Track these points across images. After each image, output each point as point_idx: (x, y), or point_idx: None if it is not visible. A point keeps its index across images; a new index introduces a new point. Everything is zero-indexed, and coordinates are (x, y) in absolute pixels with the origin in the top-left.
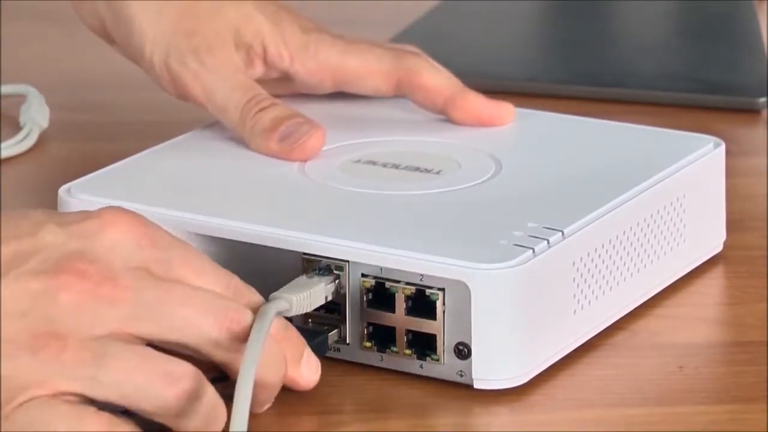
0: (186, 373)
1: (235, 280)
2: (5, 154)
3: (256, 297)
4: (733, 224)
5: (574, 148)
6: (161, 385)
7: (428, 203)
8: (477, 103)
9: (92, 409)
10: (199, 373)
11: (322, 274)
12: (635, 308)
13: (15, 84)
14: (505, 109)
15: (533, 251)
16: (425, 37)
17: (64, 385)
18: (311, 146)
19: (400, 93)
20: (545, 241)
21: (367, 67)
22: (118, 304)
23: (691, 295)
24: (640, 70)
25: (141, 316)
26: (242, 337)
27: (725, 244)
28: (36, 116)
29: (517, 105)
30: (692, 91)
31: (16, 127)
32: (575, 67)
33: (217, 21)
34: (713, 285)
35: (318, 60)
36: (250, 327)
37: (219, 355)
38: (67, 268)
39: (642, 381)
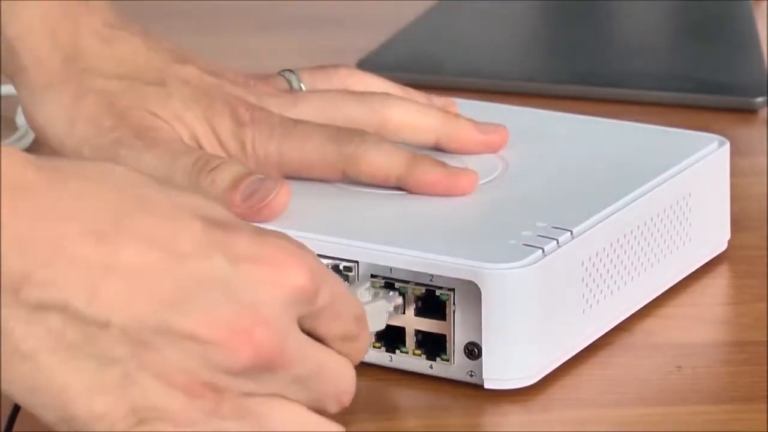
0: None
1: (362, 316)
2: None
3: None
4: (732, 224)
5: (579, 147)
6: None
7: (436, 203)
8: (431, 177)
9: None
10: None
11: None
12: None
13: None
14: (464, 177)
15: (543, 251)
16: (424, 36)
17: None
18: (279, 204)
19: (350, 180)
20: (554, 241)
21: (307, 160)
22: (281, 374)
23: (689, 294)
24: (639, 70)
25: (297, 388)
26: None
27: (728, 243)
28: None
29: (517, 105)
30: (691, 91)
31: (13, 128)
32: (574, 67)
33: (141, 117)
34: (712, 285)
35: (257, 155)
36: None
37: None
38: (242, 328)
39: (640, 381)
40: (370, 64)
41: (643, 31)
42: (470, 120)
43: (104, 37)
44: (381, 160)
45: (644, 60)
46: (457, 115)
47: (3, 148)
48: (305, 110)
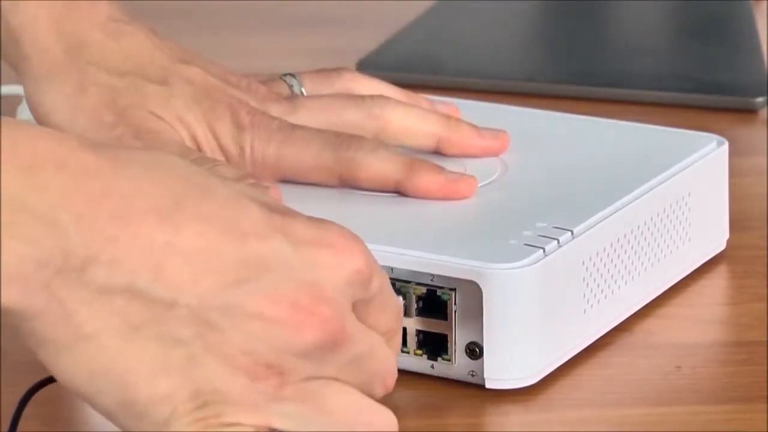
0: (390, 423)
1: (399, 312)
2: None
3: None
4: (731, 224)
5: (579, 147)
6: (352, 425)
7: (436, 204)
8: (429, 182)
9: None
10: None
11: None
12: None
13: (13, 85)
14: (463, 183)
15: (544, 251)
16: (424, 36)
17: (275, 421)
18: None
19: (348, 186)
20: (555, 241)
21: (305, 165)
22: (340, 354)
23: (689, 294)
24: (638, 70)
25: (349, 367)
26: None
27: (727, 242)
28: (33, 117)
29: (517, 105)
30: (691, 91)
31: None
32: (573, 67)
33: (142, 117)
34: (711, 285)
35: (255, 159)
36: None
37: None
38: (305, 306)
39: (639, 381)
40: (370, 64)
41: (643, 31)
42: (471, 125)
43: (109, 31)
44: (379, 166)
45: (644, 60)
46: (457, 120)
47: (59, 133)
48: (305, 115)
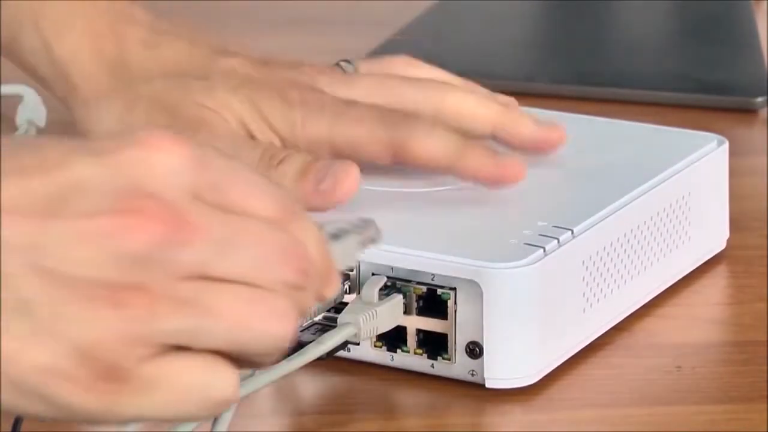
0: (289, 305)
1: (287, 197)
2: None
3: (308, 220)
4: (731, 224)
5: (578, 146)
6: (274, 325)
7: (435, 202)
8: (481, 165)
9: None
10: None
11: None
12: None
13: (12, 84)
14: (514, 167)
15: (544, 250)
16: (424, 36)
17: (170, 341)
18: (351, 186)
19: (399, 164)
20: (555, 240)
21: (358, 141)
22: (192, 245)
23: (689, 294)
24: (638, 70)
25: (215, 257)
26: (312, 277)
27: (727, 242)
28: (33, 116)
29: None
30: (691, 90)
31: (13, 128)
32: (573, 67)
33: (191, 110)
34: (712, 284)
35: (307, 136)
36: (317, 262)
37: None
38: (127, 207)
39: (639, 381)
40: None
41: (643, 31)
42: (529, 115)
43: (148, 44)
44: (432, 145)
45: (644, 60)
46: (515, 109)
47: None
48: (359, 92)
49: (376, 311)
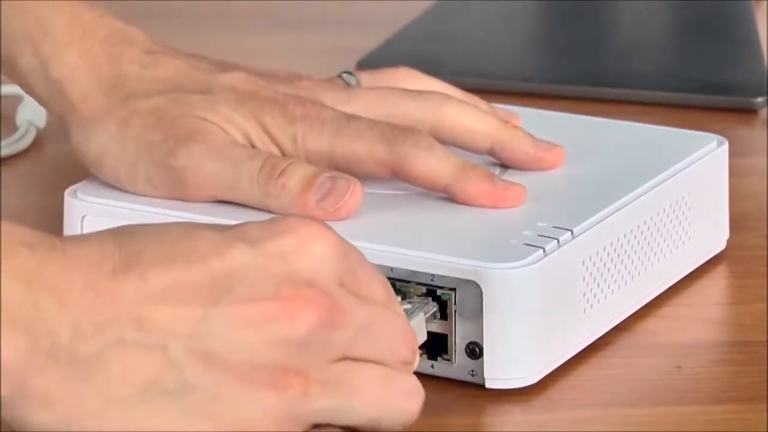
0: (419, 385)
1: (387, 281)
2: (2, 153)
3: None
4: (732, 224)
5: (578, 146)
6: (407, 403)
7: (435, 203)
8: (479, 189)
9: None
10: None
11: None
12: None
13: (13, 84)
14: (512, 192)
15: (544, 251)
16: (424, 36)
17: (316, 419)
18: (354, 203)
19: (398, 179)
20: (555, 241)
21: (357, 156)
22: (342, 329)
23: (689, 294)
24: (638, 70)
25: (358, 340)
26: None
27: (727, 242)
28: (33, 116)
29: (517, 105)
30: (691, 91)
31: (13, 128)
32: (573, 67)
33: (190, 123)
34: (712, 285)
35: (308, 150)
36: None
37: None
38: (288, 294)
39: (639, 381)
40: (370, 64)
41: (643, 31)
42: (528, 133)
43: (145, 64)
44: (431, 166)
45: (644, 60)
46: (515, 126)
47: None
48: (359, 105)
49: None
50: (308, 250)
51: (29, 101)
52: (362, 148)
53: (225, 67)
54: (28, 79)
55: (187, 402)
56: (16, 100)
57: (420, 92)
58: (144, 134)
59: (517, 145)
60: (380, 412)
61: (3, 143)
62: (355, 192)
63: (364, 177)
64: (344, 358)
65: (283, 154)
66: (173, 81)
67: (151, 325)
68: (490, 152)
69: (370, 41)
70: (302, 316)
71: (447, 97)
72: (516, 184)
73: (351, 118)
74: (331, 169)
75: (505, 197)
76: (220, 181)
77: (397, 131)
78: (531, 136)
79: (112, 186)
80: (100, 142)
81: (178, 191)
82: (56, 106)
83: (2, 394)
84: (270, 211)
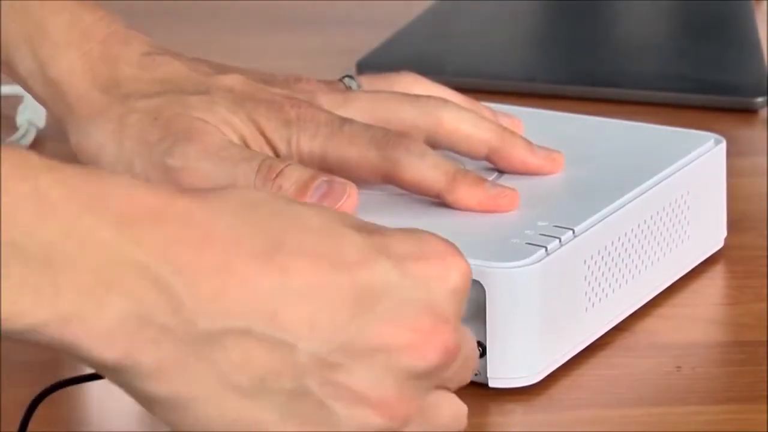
0: (464, 411)
1: None
2: None
3: None
4: (731, 224)
5: (578, 146)
6: (457, 426)
7: (437, 203)
8: (471, 196)
9: None
10: None
11: None
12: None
13: (12, 84)
14: (505, 198)
15: (546, 250)
16: (424, 36)
17: None
18: (351, 206)
19: (390, 185)
20: (557, 240)
21: (349, 161)
22: (454, 365)
23: (689, 295)
24: (638, 70)
25: (454, 376)
26: None
27: (725, 242)
28: (33, 116)
29: (517, 105)
30: (690, 91)
31: (13, 128)
32: (573, 68)
33: (187, 123)
34: (711, 285)
35: (301, 153)
36: None
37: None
38: (426, 327)
39: (640, 381)
40: (370, 64)
41: (643, 31)
42: (526, 140)
43: (143, 65)
44: (423, 172)
45: (644, 60)
46: (513, 133)
47: (150, 183)
48: (356, 109)
49: None
50: (448, 281)
51: (29, 101)
52: (354, 152)
53: (224, 69)
54: (27, 80)
55: (295, 405)
56: (17, 100)
57: (418, 97)
58: (141, 133)
59: (515, 153)
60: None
61: (3, 143)
62: (351, 195)
63: (358, 181)
64: (439, 388)
65: (278, 155)
66: (171, 82)
67: (285, 322)
68: (487, 159)
69: (370, 41)
70: (433, 352)
71: (445, 102)
72: (508, 188)
73: (345, 121)
74: (324, 171)
75: (496, 204)
76: (216, 181)
77: (389, 136)
78: (529, 143)
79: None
80: (98, 140)
81: None
82: (55, 107)
83: (107, 359)
84: None
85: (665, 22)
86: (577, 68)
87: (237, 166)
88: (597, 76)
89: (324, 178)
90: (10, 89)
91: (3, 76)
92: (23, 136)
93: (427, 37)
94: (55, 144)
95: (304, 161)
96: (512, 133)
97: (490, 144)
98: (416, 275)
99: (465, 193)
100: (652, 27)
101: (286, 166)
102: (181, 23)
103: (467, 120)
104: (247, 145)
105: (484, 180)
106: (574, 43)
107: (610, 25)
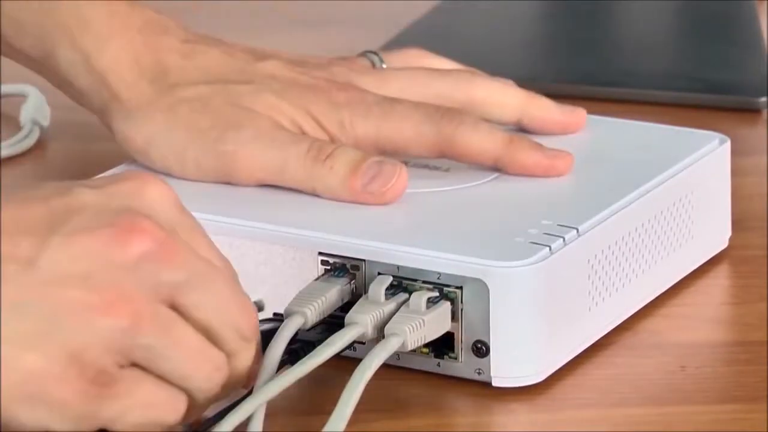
0: (225, 362)
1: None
2: (5, 153)
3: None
4: (734, 224)
5: (582, 145)
6: (212, 372)
7: (439, 201)
8: (529, 159)
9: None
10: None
11: (338, 276)
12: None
13: (16, 83)
14: (561, 159)
15: (550, 249)
16: (425, 37)
17: (136, 356)
18: (400, 187)
19: (446, 158)
20: (561, 239)
21: (405, 139)
22: (173, 267)
23: (692, 294)
24: (640, 69)
25: (192, 287)
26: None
27: (729, 241)
28: (36, 116)
29: None
30: (692, 90)
31: (17, 127)
32: (575, 67)
33: (236, 112)
34: (715, 284)
35: (356, 135)
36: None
37: (235, 345)
38: (124, 224)
39: (644, 381)
40: None
41: (645, 31)
42: (550, 101)
43: (184, 53)
44: (480, 141)
45: (647, 59)
46: (538, 95)
47: None
48: (396, 87)
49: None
50: (146, 192)
51: (33, 100)
52: (409, 130)
53: (259, 54)
54: (68, 73)
55: (25, 325)
56: (20, 99)
57: (448, 71)
58: (192, 121)
59: (547, 114)
60: (193, 371)
61: (6, 143)
62: (402, 176)
63: (412, 158)
64: (174, 307)
65: (332, 138)
66: (215, 71)
67: None
68: (519, 123)
69: (372, 41)
70: (136, 242)
71: (473, 73)
72: (563, 152)
73: (394, 101)
74: (378, 152)
75: (554, 166)
76: (267, 164)
77: (441, 112)
78: (554, 103)
79: (154, 172)
80: (148, 131)
81: (226, 175)
82: (98, 98)
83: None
84: (316, 194)
85: (669, 22)
86: (581, 68)
87: (288, 148)
88: (601, 76)
89: (375, 159)
90: (12, 88)
91: (4, 74)
92: (27, 135)
93: (430, 38)
94: (59, 143)
95: (359, 142)
96: (536, 95)
97: (522, 108)
98: (111, 192)
99: (524, 156)
100: (655, 26)
101: (337, 147)
102: (184, 23)
103: (497, 89)
104: (301, 130)
105: (540, 144)
106: (578, 43)
107: (613, 25)
